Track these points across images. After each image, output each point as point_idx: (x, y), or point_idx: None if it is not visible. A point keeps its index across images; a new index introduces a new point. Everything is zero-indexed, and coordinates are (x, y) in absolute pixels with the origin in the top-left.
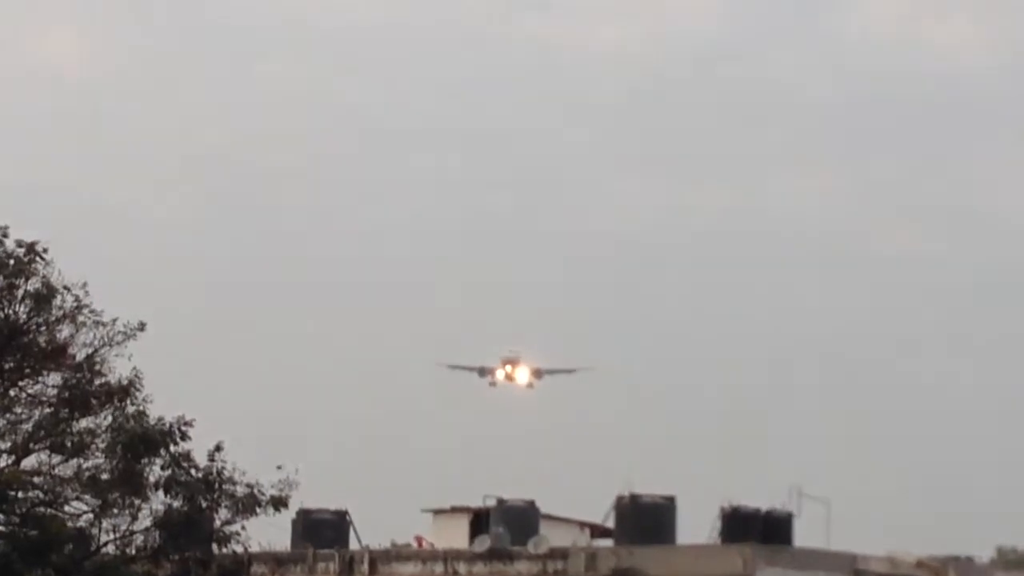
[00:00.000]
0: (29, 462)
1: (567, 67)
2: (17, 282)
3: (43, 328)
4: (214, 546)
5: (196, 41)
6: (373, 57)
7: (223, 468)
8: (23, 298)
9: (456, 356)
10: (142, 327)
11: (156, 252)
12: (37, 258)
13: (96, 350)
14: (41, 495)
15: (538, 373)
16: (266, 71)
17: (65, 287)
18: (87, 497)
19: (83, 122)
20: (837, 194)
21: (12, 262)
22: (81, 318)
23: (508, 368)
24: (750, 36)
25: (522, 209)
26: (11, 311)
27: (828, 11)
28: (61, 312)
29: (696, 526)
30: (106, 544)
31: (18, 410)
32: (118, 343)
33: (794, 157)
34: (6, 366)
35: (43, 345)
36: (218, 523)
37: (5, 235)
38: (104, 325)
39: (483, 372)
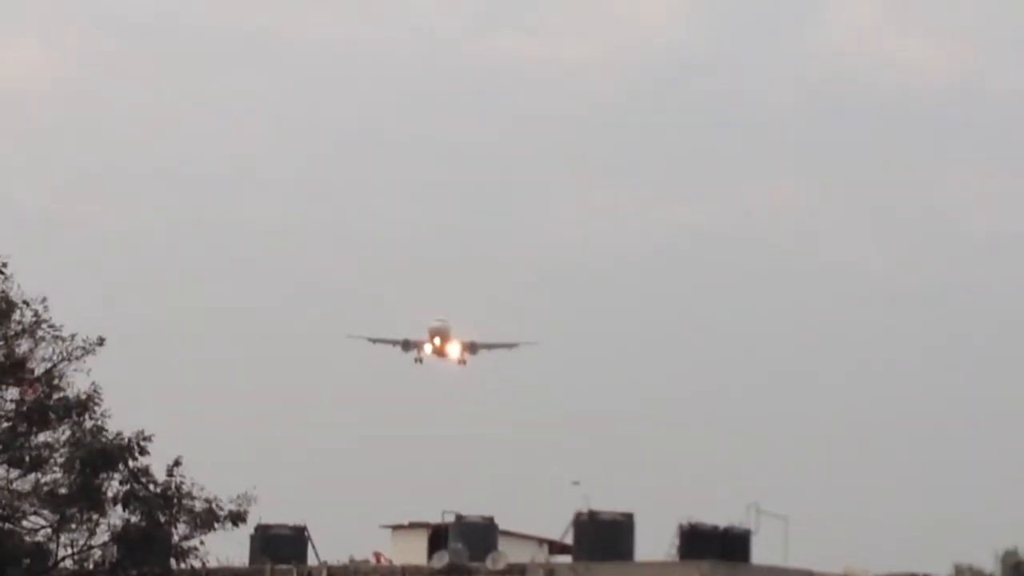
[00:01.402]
0: None
1: (536, 80)
2: None
3: (2, 343)
4: (172, 561)
5: (162, 53)
6: (344, 73)
7: (182, 483)
8: None
9: (375, 329)
10: (101, 342)
11: (115, 266)
12: None
13: (55, 365)
14: None
15: (472, 347)
16: (236, 84)
17: (24, 302)
18: (45, 512)
19: (42, 134)
20: (799, 203)
21: None
22: (40, 333)
23: (436, 341)
24: (717, 48)
25: (485, 217)
26: None
27: (792, 24)
28: (20, 327)
29: (654, 543)
30: (64, 559)
31: None
32: (77, 358)
33: (758, 167)
34: None
35: (2, 360)
36: (176, 538)
37: None
38: (63, 340)
39: (408, 345)
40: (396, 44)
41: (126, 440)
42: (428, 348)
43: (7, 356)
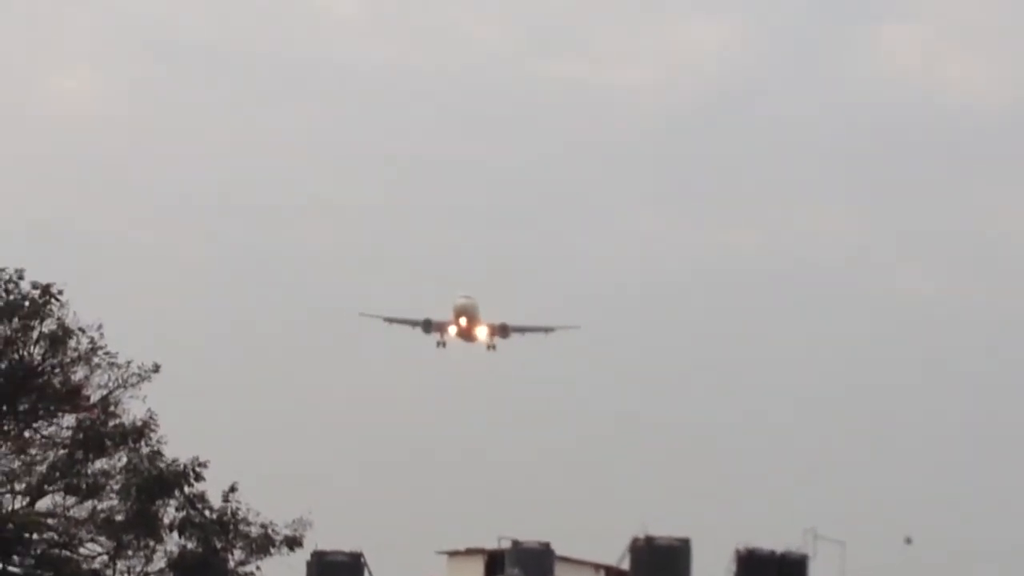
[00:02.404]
0: (44, 504)
1: (590, 106)
2: (32, 324)
3: (58, 370)
4: None
5: (218, 82)
6: (397, 99)
7: (238, 509)
8: (38, 340)
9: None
10: (156, 369)
11: (171, 293)
12: (52, 300)
13: (111, 391)
14: (56, 537)
15: (503, 330)
16: (292, 113)
17: (80, 329)
18: (102, 539)
19: (99, 162)
20: (850, 228)
21: (27, 304)
22: (96, 360)
23: (462, 321)
24: (769, 75)
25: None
26: (26, 353)
27: (846, 51)
28: (76, 354)
29: (711, 568)
30: None
31: (33, 451)
32: (133, 384)
33: (809, 192)
34: (21, 408)
35: (58, 387)
36: (232, 564)
37: (20, 277)
38: (119, 367)
39: (429, 326)
40: (454, 70)
41: (182, 466)
42: (453, 330)
43: (63, 383)
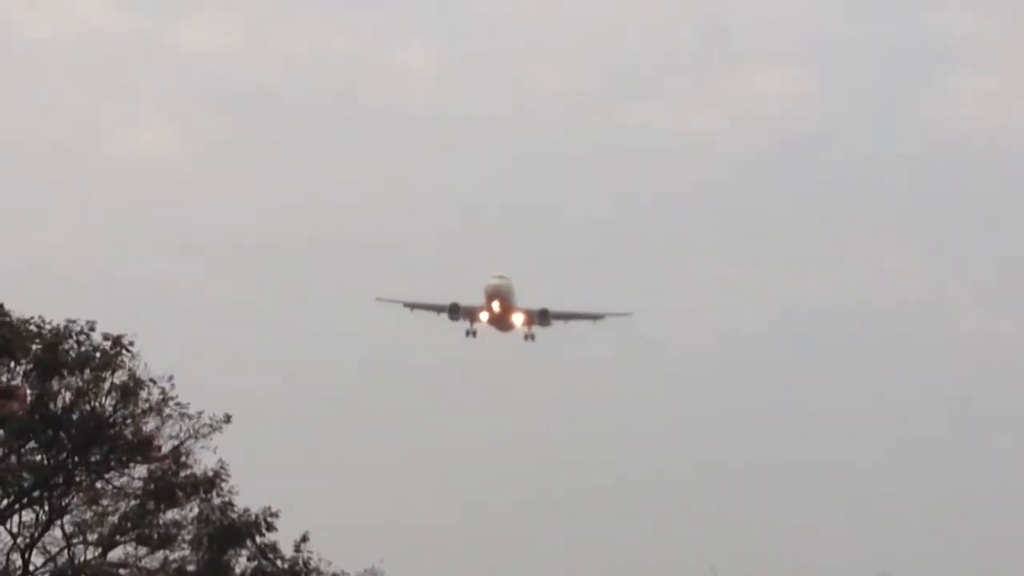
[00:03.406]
0: (116, 554)
1: (661, 153)
2: (104, 375)
3: (129, 421)
4: None
5: (285, 130)
6: (473, 144)
7: (309, 559)
8: (110, 391)
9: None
10: (228, 419)
11: (243, 343)
12: (123, 351)
13: (182, 442)
14: None
15: (543, 317)
16: (361, 159)
17: (151, 380)
18: None
19: (172, 212)
20: (922, 272)
21: (99, 355)
22: (167, 410)
23: (495, 306)
24: (837, 123)
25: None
26: (97, 404)
27: (912, 97)
28: (147, 404)
29: None
30: None
31: (105, 502)
32: (204, 435)
33: (880, 238)
34: (93, 459)
35: (129, 437)
36: None
37: (92, 329)
38: (190, 417)
39: (456, 312)
40: (523, 116)
41: (253, 516)
42: (484, 316)
43: (135, 434)
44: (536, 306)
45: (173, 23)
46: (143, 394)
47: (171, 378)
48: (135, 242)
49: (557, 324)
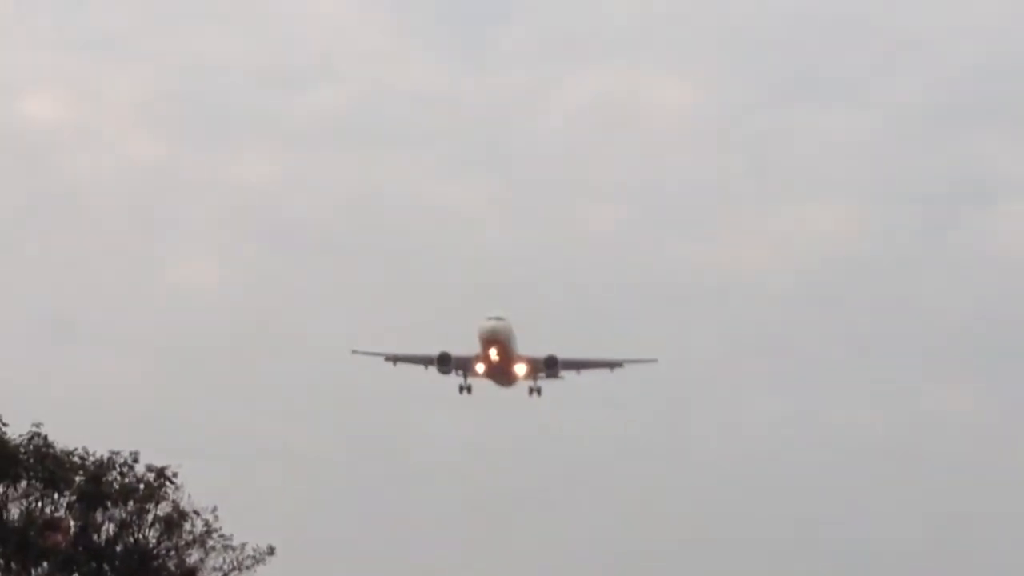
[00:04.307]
0: None
1: (713, 288)
2: (147, 507)
3: (173, 553)
4: None
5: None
6: (520, 280)
7: None
8: (153, 523)
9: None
10: (271, 551)
11: (285, 476)
12: (167, 483)
13: (226, 574)
14: None
15: (550, 365)
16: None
17: (195, 511)
18: None
19: (221, 349)
20: (976, 408)
21: (142, 487)
22: (211, 542)
23: (493, 353)
24: (891, 253)
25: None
26: (141, 536)
27: (955, 231)
28: (191, 536)
29: None
30: None
31: None
32: (248, 567)
33: (934, 371)
34: None
35: (173, 570)
36: None
37: (135, 460)
38: (234, 549)
39: (446, 363)
40: (574, 252)
41: None
42: (480, 368)
43: (178, 566)
44: (542, 353)
45: (222, 156)
46: (187, 526)
47: (215, 510)
48: (182, 374)
49: (568, 376)
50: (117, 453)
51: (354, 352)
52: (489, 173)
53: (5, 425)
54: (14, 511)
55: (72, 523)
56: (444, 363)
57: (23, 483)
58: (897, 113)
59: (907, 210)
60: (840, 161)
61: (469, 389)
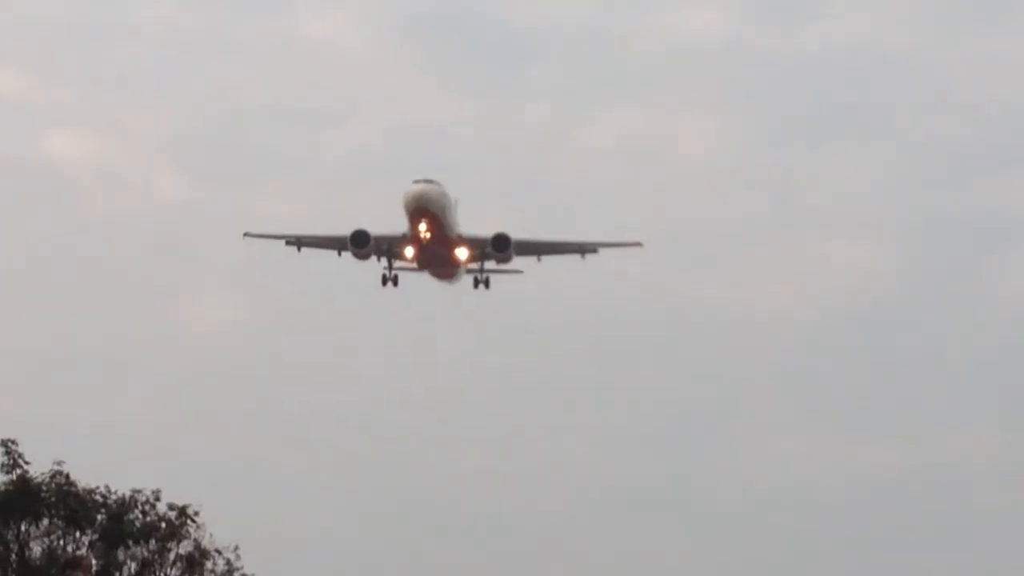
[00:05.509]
0: None
1: (731, 326)
2: (169, 545)
3: None
4: None
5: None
6: (540, 323)
7: None
8: (175, 561)
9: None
10: None
11: (307, 514)
12: (189, 521)
13: None
14: None
15: (502, 246)
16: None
17: (217, 550)
18: None
19: (240, 385)
20: (999, 449)
21: (164, 525)
22: None
23: (423, 228)
24: (917, 293)
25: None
26: (163, 574)
27: (977, 271)
28: (213, 575)
29: None
30: None
31: None
32: None
33: (957, 411)
34: None
35: None
36: None
37: (157, 499)
38: None
39: (361, 244)
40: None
41: None
42: (410, 252)
43: None
44: (488, 232)
45: (247, 194)
46: (208, 564)
47: (236, 549)
48: (204, 411)
49: (525, 262)
50: (139, 491)
51: (246, 235)
52: (511, 211)
53: (27, 463)
54: (36, 549)
55: (94, 561)
56: (360, 243)
57: (45, 521)
58: (924, 152)
59: (934, 250)
60: (865, 200)
61: (395, 280)
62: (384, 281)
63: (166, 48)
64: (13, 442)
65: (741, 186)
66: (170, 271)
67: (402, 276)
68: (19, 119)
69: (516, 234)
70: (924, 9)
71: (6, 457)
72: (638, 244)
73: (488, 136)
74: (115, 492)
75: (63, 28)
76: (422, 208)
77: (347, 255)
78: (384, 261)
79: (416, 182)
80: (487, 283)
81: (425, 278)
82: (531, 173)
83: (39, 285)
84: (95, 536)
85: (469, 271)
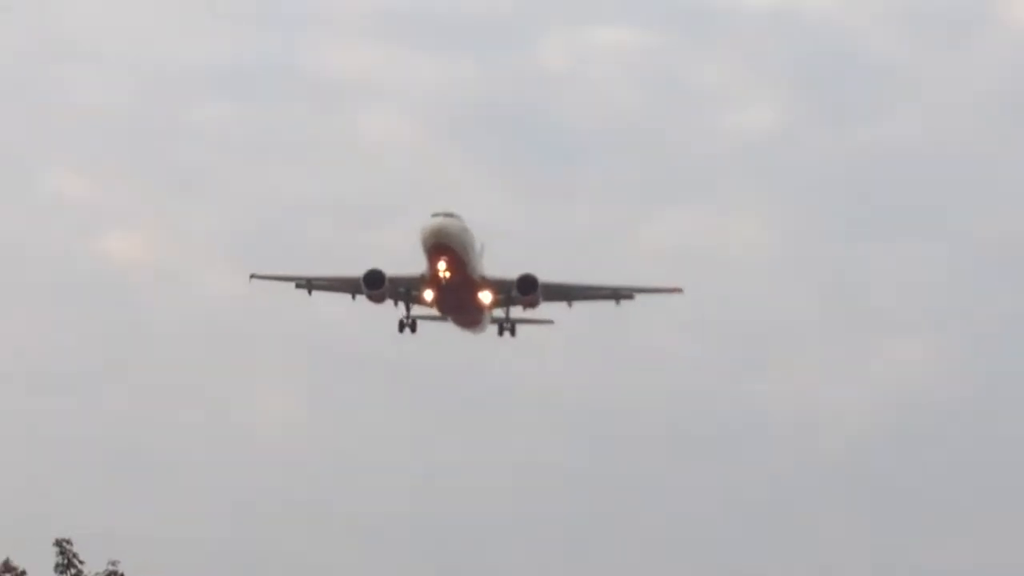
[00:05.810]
0: None
1: (793, 423)
2: None
3: None
4: None
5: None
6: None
7: None
8: None
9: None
10: None
11: None
12: None
13: None
14: None
15: (528, 289)
16: None
17: None
18: None
19: (293, 481)
20: None
21: None
22: None
23: (442, 267)
24: (967, 392)
25: None
26: None
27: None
28: None
29: None
30: None
31: None
32: None
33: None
34: None
35: None
36: None
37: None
38: None
39: (375, 286)
40: (661, 388)
41: None
42: (429, 294)
43: None
44: (512, 273)
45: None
46: None
47: None
48: (256, 514)
49: (552, 309)
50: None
51: (253, 277)
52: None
53: (81, 563)
54: None
55: None
56: (374, 284)
57: None
58: (975, 246)
59: (987, 345)
60: (919, 296)
61: (413, 326)
62: (401, 327)
63: (217, 147)
64: (68, 542)
65: (793, 282)
66: (223, 369)
67: (422, 325)
68: (77, 220)
69: (545, 277)
70: (977, 105)
71: (60, 557)
72: (678, 290)
73: (540, 236)
74: None
75: (122, 130)
76: (441, 244)
77: (361, 298)
78: (401, 306)
79: (435, 215)
80: (512, 330)
81: (449, 327)
82: (581, 271)
83: (91, 384)
84: None
85: (494, 320)
